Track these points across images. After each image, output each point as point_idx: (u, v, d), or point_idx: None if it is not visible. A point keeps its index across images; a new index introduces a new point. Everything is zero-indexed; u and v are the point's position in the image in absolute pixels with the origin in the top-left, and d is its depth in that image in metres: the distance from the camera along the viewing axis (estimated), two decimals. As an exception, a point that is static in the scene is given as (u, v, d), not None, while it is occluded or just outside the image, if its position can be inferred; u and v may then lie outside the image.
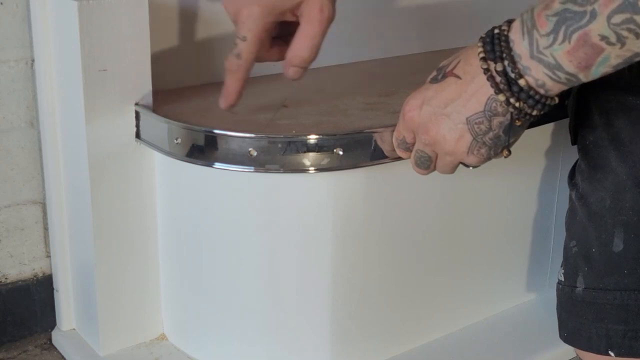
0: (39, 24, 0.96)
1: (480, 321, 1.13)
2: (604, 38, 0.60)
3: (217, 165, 0.88)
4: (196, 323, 1.03)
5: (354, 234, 0.96)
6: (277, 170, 0.87)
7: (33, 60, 1.02)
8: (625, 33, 0.59)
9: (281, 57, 0.86)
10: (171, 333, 1.06)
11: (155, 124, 0.93)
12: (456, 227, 1.06)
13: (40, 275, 1.12)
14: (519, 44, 0.66)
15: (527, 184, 1.13)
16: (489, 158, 0.74)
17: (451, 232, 1.06)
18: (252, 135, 0.86)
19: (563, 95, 0.70)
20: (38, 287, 1.11)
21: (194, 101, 1.00)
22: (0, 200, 1.06)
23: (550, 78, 0.65)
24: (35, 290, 1.11)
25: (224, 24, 1.08)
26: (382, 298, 1.01)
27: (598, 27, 0.60)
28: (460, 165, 0.77)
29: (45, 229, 1.09)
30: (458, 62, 0.71)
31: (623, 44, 0.60)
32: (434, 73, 0.74)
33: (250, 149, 0.86)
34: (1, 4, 0.99)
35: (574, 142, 0.85)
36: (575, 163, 0.85)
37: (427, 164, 0.77)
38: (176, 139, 0.89)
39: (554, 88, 0.66)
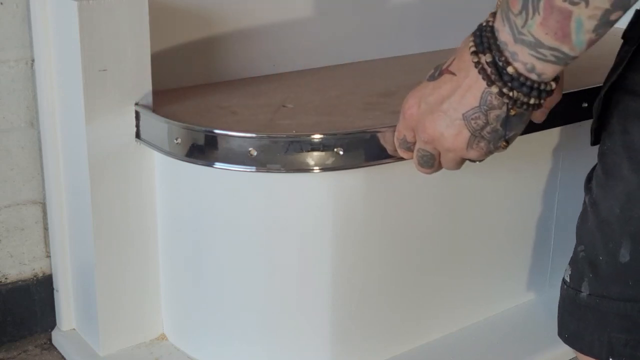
0: (39, 24, 0.96)
1: (480, 321, 1.13)
2: None
3: (218, 165, 0.88)
4: (196, 323, 1.03)
5: (354, 234, 0.96)
6: (278, 170, 0.87)
7: (33, 60, 1.02)
8: None
9: None
10: (171, 333, 1.06)
11: (155, 124, 0.93)
12: (456, 227, 1.06)
13: (40, 275, 1.11)
14: (503, 31, 0.66)
15: (528, 184, 1.13)
16: (489, 151, 0.73)
17: (451, 232, 1.06)
18: (254, 135, 0.86)
19: (590, 99, 0.68)
20: (38, 287, 1.11)
21: (194, 101, 1.00)
22: (0, 200, 1.06)
23: (537, 58, 0.65)
24: (35, 290, 1.11)
25: (224, 24, 1.08)
26: (382, 298, 1.01)
27: None
28: (467, 160, 0.76)
29: (45, 229, 1.09)
30: (453, 60, 0.71)
31: (587, 2, 0.60)
32: (431, 71, 0.74)
33: (250, 149, 0.86)
34: (1, 4, 0.99)
35: (593, 143, 0.84)
36: (594, 167, 0.83)
37: (430, 162, 0.77)
38: (176, 139, 0.89)
39: (546, 70, 0.66)
